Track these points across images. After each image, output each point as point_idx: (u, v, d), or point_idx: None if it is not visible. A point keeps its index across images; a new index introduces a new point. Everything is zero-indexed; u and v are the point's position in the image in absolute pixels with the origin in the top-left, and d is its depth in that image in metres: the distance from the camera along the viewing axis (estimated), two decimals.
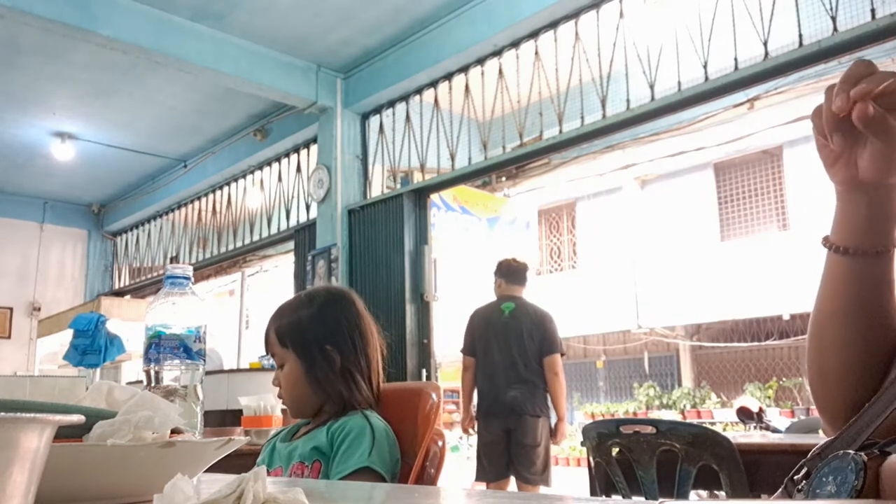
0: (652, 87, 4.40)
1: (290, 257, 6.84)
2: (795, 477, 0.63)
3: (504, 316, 4.36)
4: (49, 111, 6.71)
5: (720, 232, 12.51)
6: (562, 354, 4.37)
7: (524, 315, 4.37)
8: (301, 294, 1.64)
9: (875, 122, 0.65)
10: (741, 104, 6.10)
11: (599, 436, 2.49)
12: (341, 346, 1.50)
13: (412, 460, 1.41)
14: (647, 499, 2.38)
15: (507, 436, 4.25)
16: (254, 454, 1.62)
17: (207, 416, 1.06)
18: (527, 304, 4.46)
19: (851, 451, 0.59)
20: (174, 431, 0.73)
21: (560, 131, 4.88)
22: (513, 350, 4.28)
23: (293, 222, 6.76)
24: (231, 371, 5.56)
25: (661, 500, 2.21)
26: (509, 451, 4.25)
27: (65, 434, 0.63)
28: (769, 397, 11.76)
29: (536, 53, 4.95)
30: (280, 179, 6.94)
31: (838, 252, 0.76)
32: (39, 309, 8.89)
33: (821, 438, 0.74)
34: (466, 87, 5.37)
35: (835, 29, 3.66)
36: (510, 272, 4.50)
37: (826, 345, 0.77)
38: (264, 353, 1.65)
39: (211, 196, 8.00)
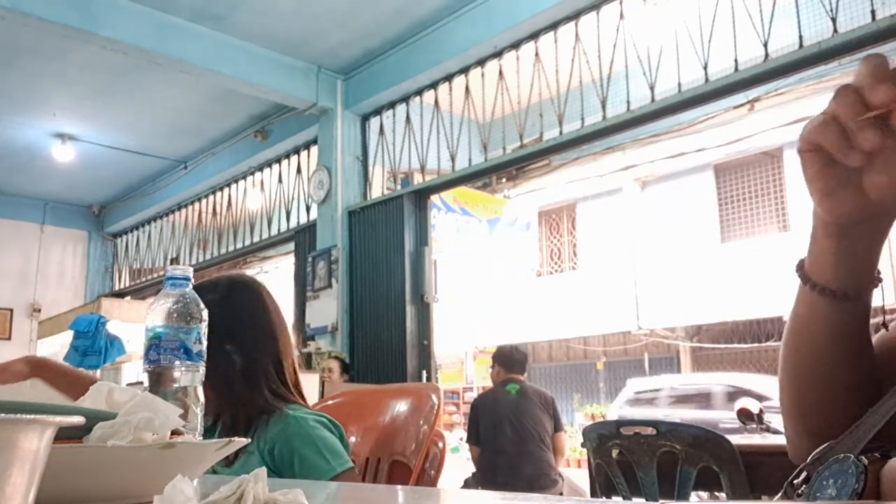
0: (652, 88, 4.40)
1: (291, 259, 6.84)
2: (795, 481, 0.63)
3: (511, 395, 4.33)
4: (49, 112, 6.72)
5: (720, 233, 12.51)
6: None
7: (531, 393, 4.37)
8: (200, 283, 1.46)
9: None
10: (741, 105, 6.11)
11: (600, 437, 2.49)
12: (243, 343, 1.36)
13: (412, 462, 1.41)
14: (647, 500, 2.38)
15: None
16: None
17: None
18: (531, 385, 4.51)
19: (852, 455, 0.59)
20: (174, 433, 0.73)
21: (560, 132, 4.88)
22: (527, 426, 4.23)
23: (293, 223, 6.76)
24: None
25: (661, 501, 2.21)
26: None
27: (65, 435, 0.62)
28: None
29: (537, 55, 4.96)
30: (280, 181, 6.94)
31: (833, 297, 0.65)
32: (40, 310, 8.90)
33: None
34: (467, 88, 5.38)
35: (835, 30, 3.66)
36: (510, 362, 4.46)
37: (810, 380, 0.71)
38: None
39: (211, 197, 8.00)
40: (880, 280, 0.65)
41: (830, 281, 0.64)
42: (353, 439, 1.49)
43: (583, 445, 2.66)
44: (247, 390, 1.35)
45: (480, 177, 6.12)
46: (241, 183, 7.56)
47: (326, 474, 1.25)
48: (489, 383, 4.72)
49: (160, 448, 0.66)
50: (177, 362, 0.98)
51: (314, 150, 6.42)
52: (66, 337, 6.23)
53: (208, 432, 1.35)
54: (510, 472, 4.14)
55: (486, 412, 4.33)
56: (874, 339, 0.73)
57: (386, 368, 5.32)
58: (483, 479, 4.28)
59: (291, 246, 6.72)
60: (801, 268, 0.67)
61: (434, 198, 6.06)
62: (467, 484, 4.46)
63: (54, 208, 9.20)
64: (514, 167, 6.43)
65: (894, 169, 0.57)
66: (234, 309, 1.38)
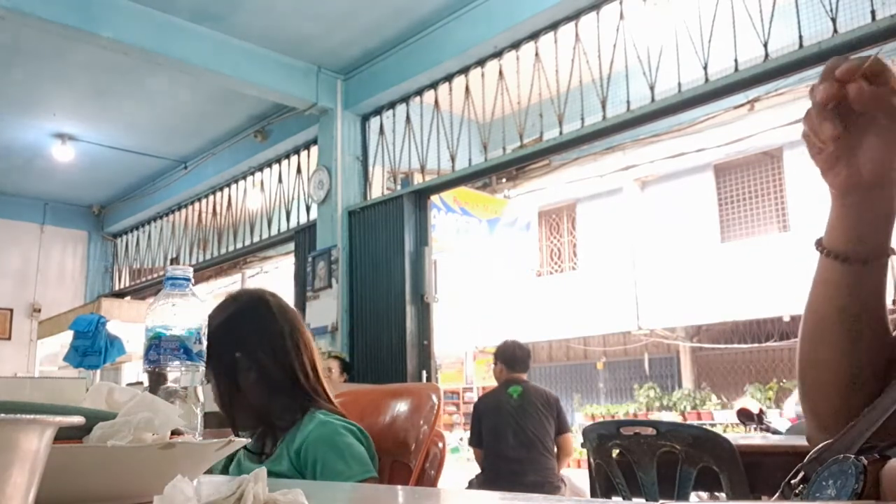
0: (652, 88, 4.40)
1: (291, 259, 6.84)
2: (793, 481, 0.63)
3: (514, 399, 4.26)
4: (49, 112, 6.71)
5: (720, 233, 12.51)
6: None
7: (534, 396, 4.28)
8: (216, 305, 1.50)
9: (873, 100, 0.63)
10: (741, 105, 6.10)
11: (600, 437, 2.49)
12: (256, 353, 1.39)
13: (412, 462, 1.41)
14: (647, 500, 2.38)
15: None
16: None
17: (207, 418, 1.06)
18: (534, 386, 4.42)
19: (851, 455, 0.59)
20: (174, 433, 0.73)
21: (560, 132, 4.88)
22: (528, 433, 4.17)
23: (293, 223, 6.76)
24: None
25: (661, 501, 2.21)
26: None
27: (65, 435, 0.62)
28: (769, 399, 11.76)
29: (537, 55, 4.96)
30: (280, 181, 6.94)
31: (837, 259, 0.72)
32: (40, 310, 8.90)
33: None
34: (467, 88, 5.38)
35: (835, 30, 3.66)
36: (513, 360, 4.39)
37: (822, 354, 0.74)
38: None
39: (211, 197, 8.00)
40: (892, 252, 0.72)
41: (838, 244, 0.72)
42: None
43: (583, 445, 2.65)
44: (264, 399, 1.39)
45: (480, 177, 6.12)
46: (241, 183, 7.56)
47: (347, 480, 1.25)
48: (489, 383, 4.70)
49: (160, 448, 0.66)
50: (177, 362, 0.98)
51: (314, 150, 6.42)
52: (66, 337, 6.23)
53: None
54: (513, 479, 4.09)
55: (488, 416, 4.28)
56: None
57: (386, 368, 5.32)
58: (486, 482, 4.27)
59: (291, 246, 6.71)
60: (819, 240, 0.75)
61: (434, 198, 6.05)
62: (471, 486, 4.46)
63: (54, 208, 9.20)
64: (514, 167, 6.43)
65: (877, 142, 0.67)
66: (240, 323, 1.41)
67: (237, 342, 1.39)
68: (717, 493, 3.36)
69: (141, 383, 1.02)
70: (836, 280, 0.73)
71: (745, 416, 3.57)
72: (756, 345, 12.48)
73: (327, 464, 1.28)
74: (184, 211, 8.44)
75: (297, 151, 6.77)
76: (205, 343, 1.02)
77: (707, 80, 4.18)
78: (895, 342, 0.74)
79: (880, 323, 0.73)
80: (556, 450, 4.30)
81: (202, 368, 1.01)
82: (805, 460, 0.63)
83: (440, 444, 1.46)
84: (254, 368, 1.39)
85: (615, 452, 2.45)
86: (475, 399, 8.81)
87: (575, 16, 4.72)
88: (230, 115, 6.81)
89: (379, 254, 5.63)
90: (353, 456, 1.29)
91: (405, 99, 5.81)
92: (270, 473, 1.34)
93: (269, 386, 1.39)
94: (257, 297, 1.47)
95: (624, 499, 2.45)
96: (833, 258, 0.72)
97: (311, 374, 1.43)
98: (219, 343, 1.36)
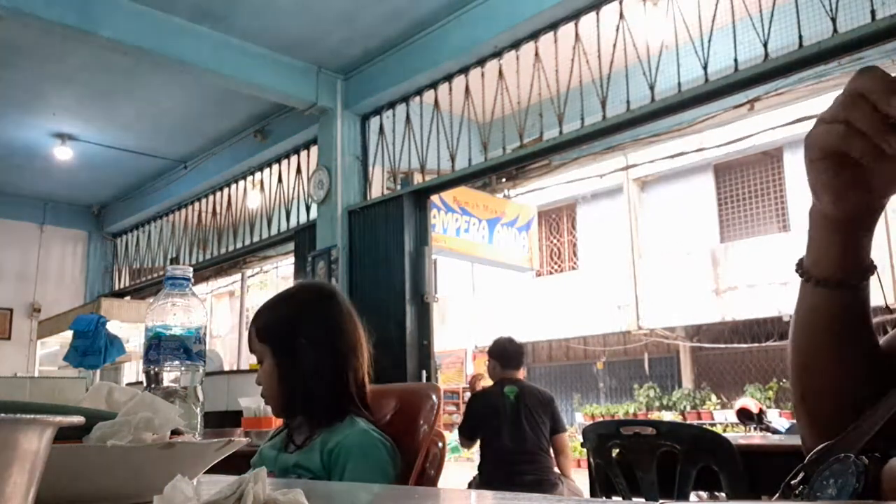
0: (652, 88, 4.40)
1: (291, 259, 6.84)
2: (793, 482, 0.63)
3: (510, 400, 4.24)
4: (49, 112, 6.71)
5: (720, 233, 12.52)
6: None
7: (530, 397, 4.27)
8: (286, 289, 1.59)
9: None
10: (741, 105, 6.08)
11: (599, 437, 2.49)
12: (318, 344, 1.44)
13: (412, 461, 1.41)
14: (647, 500, 2.38)
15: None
16: (254, 455, 1.61)
17: (207, 418, 1.06)
18: (529, 386, 4.40)
19: (852, 455, 0.59)
20: (174, 433, 0.73)
21: (560, 132, 4.88)
22: (525, 433, 4.16)
23: (293, 223, 6.76)
24: (231, 372, 5.57)
25: (661, 501, 2.21)
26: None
27: (65, 435, 0.62)
28: (769, 398, 11.76)
29: (536, 55, 4.95)
30: (280, 180, 6.94)
31: (827, 287, 0.69)
32: (39, 310, 8.90)
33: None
34: (467, 88, 5.37)
35: (835, 30, 3.66)
36: (506, 357, 4.36)
37: (815, 364, 0.74)
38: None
39: (211, 197, 8.00)
40: (875, 268, 0.70)
41: (831, 273, 0.69)
42: None
43: (583, 445, 2.66)
44: (312, 391, 1.41)
45: (480, 177, 6.12)
46: (241, 183, 7.56)
47: None
48: (489, 383, 4.68)
49: (160, 448, 0.66)
50: (176, 362, 0.98)
51: (314, 150, 6.42)
52: (66, 337, 6.24)
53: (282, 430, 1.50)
54: (512, 479, 4.09)
55: (485, 417, 4.26)
56: (885, 339, 0.75)
57: (386, 368, 5.31)
58: (485, 482, 4.26)
59: (291, 246, 6.71)
60: (800, 266, 0.72)
61: (434, 198, 6.05)
62: (471, 486, 4.45)
63: (54, 208, 9.20)
64: (514, 167, 6.42)
65: (889, 178, 0.62)
66: (308, 312, 1.47)
67: (301, 330, 1.44)
68: (717, 493, 3.36)
69: (141, 383, 1.01)
70: (826, 305, 0.71)
71: (744, 416, 3.58)
72: (756, 344, 12.49)
73: (355, 471, 1.31)
74: (184, 211, 8.44)
75: (296, 151, 6.77)
76: (205, 343, 1.02)
77: (707, 80, 4.18)
78: (883, 347, 0.74)
79: (869, 333, 0.73)
80: (552, 449, 4.30)
81: (202, 368, 1.01)
82: (805, 461, 0.63)
83: (440, 444, 1.46)
84: (310, 359, 1.42)
85: (615, 452, 2.45)
86: None
87: (575, 16, 4.71)
88: (230, 115, 6.81)
89: (379, 254, 5.62)
90: (380, 470, 1.32)
91: (405, 99, 5.81)
92: (299, 466, 1.36)
93: (319, 379, 1.42)
94: (328, 292, 1.53)
95: (624, 499, 2.45)
96: (823, 286, 0.69)
97: (360, 379, 1.48)
98: (284, 326, 1.43)
